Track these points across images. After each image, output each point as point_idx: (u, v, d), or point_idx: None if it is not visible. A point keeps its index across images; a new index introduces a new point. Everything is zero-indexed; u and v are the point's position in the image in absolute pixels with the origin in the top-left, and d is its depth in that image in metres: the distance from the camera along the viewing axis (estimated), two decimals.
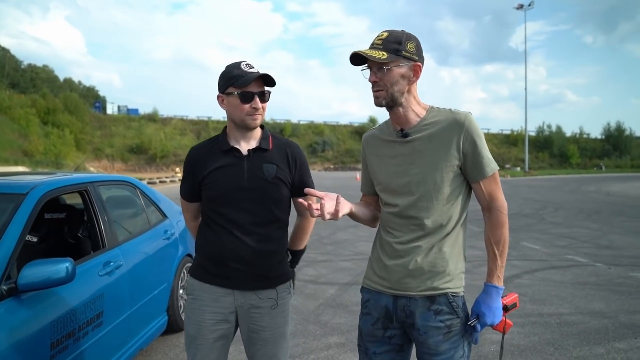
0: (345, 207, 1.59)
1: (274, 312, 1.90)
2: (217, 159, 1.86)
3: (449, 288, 1.61)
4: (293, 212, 2.03)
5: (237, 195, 1.83)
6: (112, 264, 2.71)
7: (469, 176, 1.63)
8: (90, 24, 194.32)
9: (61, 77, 66.22)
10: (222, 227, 1.84)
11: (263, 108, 1.84)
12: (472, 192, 1.68)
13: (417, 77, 1.62)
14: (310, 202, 1.57)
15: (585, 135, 66.64)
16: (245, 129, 1.86)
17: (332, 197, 1.55)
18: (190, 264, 3.66)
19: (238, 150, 1.86)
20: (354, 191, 20.15)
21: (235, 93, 1.79)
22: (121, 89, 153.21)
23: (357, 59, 1.60)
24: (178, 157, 44.21)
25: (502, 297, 1.64)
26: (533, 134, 61.13)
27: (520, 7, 49.27)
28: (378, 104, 1.61)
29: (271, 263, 1.89)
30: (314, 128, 61.52)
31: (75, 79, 71.93)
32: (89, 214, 2.90)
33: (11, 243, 2.14)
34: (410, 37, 1.60)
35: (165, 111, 64.99)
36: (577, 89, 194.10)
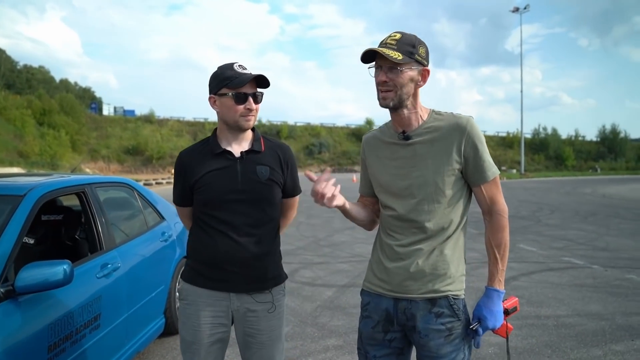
0: (341, 199, 1.61)
1: (271, 315, 1.89)
2: (209, 162, 1.84)
3: (450, 291, 1.61)
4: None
5: (231, 198, 1.82)
6: (109, 266, 2.69)
7: (470, 180, 1.64)
8: (86, 24, 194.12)
9: (57, 78, 66.07)
10: (217, 230, 1.83)
11: (256, 109, 1.84)
12: (472, 195, 1.68)
13: (425, 82, 1.62)
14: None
15: (580, 138, 66.94)
16: (239, 130, 1.85)
17: (331, 184, 1.56)
18: None
19: (230, 153, 1.85)
20: (350, 193, 20.11)
21: (230, 94, 1.79)
22: (117, 90, 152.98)
23: (367, 56, 1.58)
24: (174, 159, 43.47)
25: (502, 301, 1.64)
26: (529, 136, 61.42)
27: (516, 10, 49.54)
28: (385, 104, 1.59)
29: (267, 264, 1.89)
30: (310, 130, 61.52)
31: (72, 80, 71.87)
32: (86, 216, 2.89)
33: (8, 245, 2.12)
34: (421, 42, 1.61)
35: (161, 112, 65.00)
36: (572, 92, 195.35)
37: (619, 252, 7.29)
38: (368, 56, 1.58)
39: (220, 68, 1.84)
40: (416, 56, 1.57)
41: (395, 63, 1.54)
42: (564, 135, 65.08)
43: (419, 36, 1.63)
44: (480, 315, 1.61)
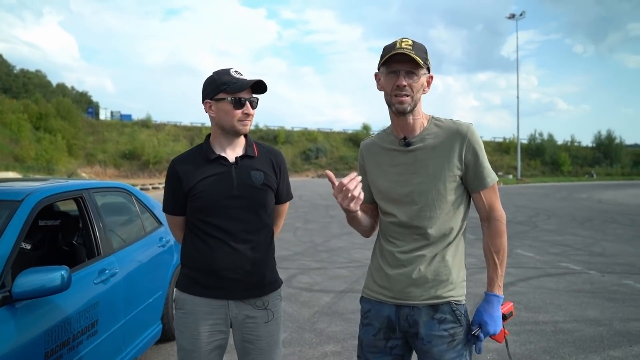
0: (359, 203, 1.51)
1: (269, 321, 1.89)
2: (203, 169, 1.84)
3: (452, 296, 1.62)
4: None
5: (227, 204, 1.81)
6: (107, 271, 2.68)
7: (470, 186, 1.65)
8: (83, 29, 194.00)
9: (54, 82, 65.94)
10: (214, 237, 1.82)
11: (252, 115, 1.85)
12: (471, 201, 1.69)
13: (429, 89, 1.64)
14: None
15: (576, 143, 67.22)
16: (235, 135, 1.85)
17: (351, 177, 1.47)
18: None
19: (225, 159, 1.85)
20: None
21: (228, 99, 1.79)
22: (114, 95, 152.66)
23: (386, 59, 1.56)
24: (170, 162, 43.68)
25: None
26: (525, 141, 61.58)
27: (512, 16, 49.80)
28: (402, 109, 1.58)
29: (264, 270, 1.89)
30: (307, 135, 61.54)
31: (68, 84, 71.67)
32: (84, 221, 2.88)
33: (6, 251, 2.11)
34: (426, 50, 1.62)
35: (158, 117, 64.82)
36: (568, 98, 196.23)
37: (615, 258, 7.31)
38: (386, 59, 1.57)
39: (216, 73, 1.84)
40: (428, 63, 1.59)
41: (413, 68, 1.55)
42: (560, 141, 65.36)
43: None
44: (481, 320, 1.62)
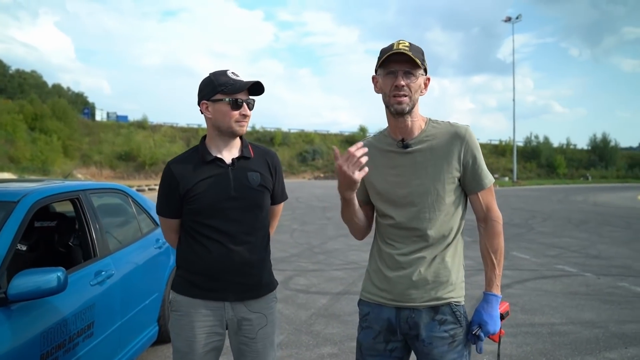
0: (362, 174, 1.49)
1: (265, 322, 1.89)
2: (201, 170, 1.83)
3: (452, 297, 1.63)
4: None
5: (225, 206, 1.81)
6: (103, 273, 2.67)
7: (468, 188, 1.66)
8: (79, 30, 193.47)
9: (50, 83, 65.66)
10: (211, 239, 1.81)
11: (249, 116, 1.85)
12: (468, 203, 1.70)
13: (426, 90, 1.65)
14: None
15: (571, 146, 67.49)
16: (231, 136, 1.85)
17: (357, 145, 1.47)
18: None
19: (221, 160, 1.85)
20: None
21: (226, 100, 1.79)
22: (110, 96, 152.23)
23: (383, 60, 1.57)
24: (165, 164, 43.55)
25: None
26: (521, 144, 61.79)
27: (508, 19, 50.00)
28: (401, 109, 1.58)
29: (261, 272, 1.89)
30: (304, 136, 61.55)
31: (64, 85, 71.28)
32: (80, 222, 2.86)
33: (2, 252, 2.10)
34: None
35: (155, 118, 64.73)
36: (564, 101, 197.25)
37: (611, 260, 7.34)
38: (384, 60, 1.57)
39: (213, 74, 1.84)
40: (425, 64, 1.60)
41: (411, 68, 1.56)
42: (555, 144, 65.62)
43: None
44: (481, 320, 1.63)
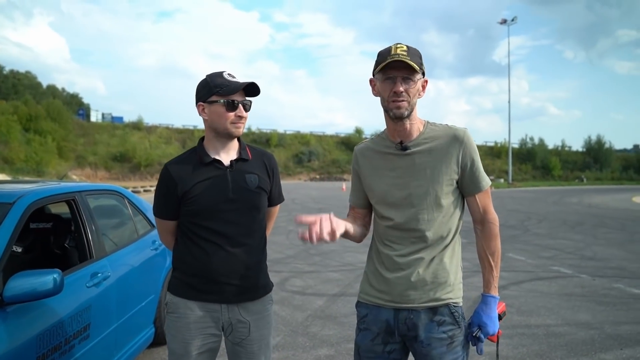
0: (341, 225, 1.55)
1: (261, 324, 1.89)
2: (199, 172, 1.83)
3: (450, 298, 1.64)
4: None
5: (222, 208, 1.81)
6: (99, 275, 2.65)
7: (465, 190, 1.67)
8: (74, 30, 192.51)
9: (44, 84, 65.23)
10: (209, 241, 1.81)
11: (245, 118, 1.85)
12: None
13: (424, 93, 1.65)
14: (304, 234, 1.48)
15: (566, 148, 67.93)
16: (228, 137, 1.85)
17: (325, 218, 1.50)
18: None
19: (220, 162, 1.85)
20: (339, 201, 20.17)
21: (221, 101, 1.79)
22: (105, 97, 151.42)
23: (382, 66, 1.57)
24: (163, 166, 43.44)
25: None
26: (516, 146, 62.10)
27: (504, 22, 50.29)
28: (400, 114, 1.58)
29: (258, 273, 1.89)
30: (300, 138, 61.60)
31: (59, 86, 70.77)
32: (76, 224, 2.85)
33: None
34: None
35: (150, 119, 64.37)
36: (559, 103, 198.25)
37: (606, 262, 7.38)
38: (382, 66, 1.57)
39: (209, 76, 1.84)
40: (423, 67, 1.60)
41: (409, 74, 1.56)
42: (550, 146, 66.03)
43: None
44: (480, 322, 1.64)
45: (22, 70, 68.82)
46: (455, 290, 1.66)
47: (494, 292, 1.66)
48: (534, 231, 11.13)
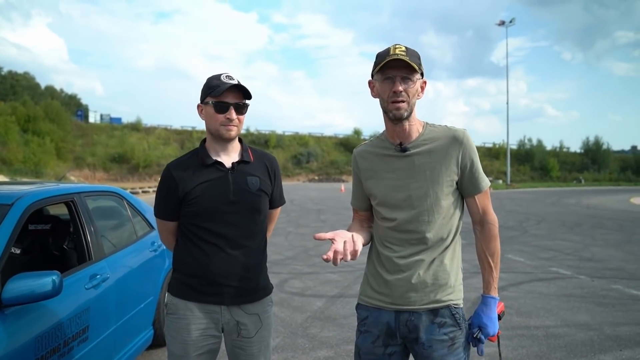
0: (359, 241, 1.53)
1: (260, 326, 1.89)
2: (200, 174, 1.83)
3: (451, 300, 1.64)
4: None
5: (223, 209, 1.81)
6: (98, 276, 2.65)
7: (465, 191, 1.67)
8: (72, 31, 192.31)
9: (42, 85, 65.19)
10: (209, 243, 1.81)
11: (239, 120, 1.83)
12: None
13: (423, 94, 1.65)
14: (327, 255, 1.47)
15: (565, 149, 67.99)
16: (221, 140, 1.84)
17: (342, 236, 1.49)
18: None
19: (221, 164, 1.85)
20: (338, 202, 20.18)
21: (210, 102, 1.80)
22: (104, 97, 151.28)
23: (381, 66, 1.56)
24: (161, 167, 43.17)
25: None
26: (514, 147, 62.12)
27: (502, 23, 50.31)
28: (399, 115, 1.58)
29: (258, 276, 1.89)
30: (298, 139, 61.56)
31: (57, 87, 70.84)
32: (75, 225, 2.84)
33: None
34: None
35: (148, 120, 64.49)
36: (557, 104, 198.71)
37: (604, 263, 7.39)
38: (381, 66, 1.57)
39: (208, 78, 1.85)
40: (421, 67, 1.60)
41: (408, 73, 1.56)
42: (548, 147, 66.06)
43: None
44: (481, 323, 1.64)
45: (20, 71, 68.94)
46: (456, 292, 1.65)
47: (494, 293, 1.66)
48: (532, 232, 11.14)
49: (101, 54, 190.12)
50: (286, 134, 62.71)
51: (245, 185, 1.84)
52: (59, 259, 3.20)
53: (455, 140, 1.63)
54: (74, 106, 62.22)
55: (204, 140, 1.92)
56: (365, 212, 1.81)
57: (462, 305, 1.67)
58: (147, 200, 3.02)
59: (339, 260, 1.46)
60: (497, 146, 63.20)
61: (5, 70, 61.42)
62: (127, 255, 3.17)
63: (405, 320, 1.63)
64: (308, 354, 3.67)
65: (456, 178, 1.64)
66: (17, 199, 2.38)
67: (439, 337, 1.60)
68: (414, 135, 1.65)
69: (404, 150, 1.64)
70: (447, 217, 1.64)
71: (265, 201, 1.91)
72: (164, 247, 3.69)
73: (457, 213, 1.68)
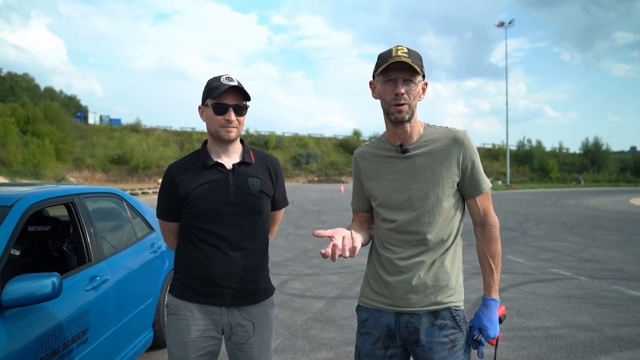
0: (358, 239, 1.54)
1: (261, 328, 1.88)
2: (201, 175, 1.83)
3: (452, 302, 1.63)
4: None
5: (223, 211, 1.81)
6: (98, 278, 2.64)
7: (466, 192, 1.66)
8: (72, 32, 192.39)
9: (42, 86, 65.07)
10: (210, 244, 1.81)
11: (239, 121, 1.83)
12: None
13: (424, 95, 1.65)
14: (326, 250, 1.46)
15: (564, 150, 68.13)
16: (221, 141, 1.84)
17: (341, 233, 1.50)
18: None
19: (222, 165, 1.85)
20: (337, 203, 20.17)
21: (210, 104, 1.80)
22: (103, 99, 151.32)
23: (383, 68, 1.56)
24: (161, 168, 43.56)
25: None
26: (514, 148, 62.23)
27: (501, 24, 50.40)
28: (401, 117, 1.58)
29: (259, 277, 1.89)
30: (298, 140, 61.61)
31: (56, 88, 70.89)
32: (74, 227, 2.83)
33: None
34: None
35: (148, 121, 64.54)
36: (556, 105, 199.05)
37: (604, 264, 7.38)
38: (383, 68, 1.56)
39: (209, 79, 1.85)
40: (423, 69, 1.60)
41: (410, 75, 1.55)
42: (548, 148, 66.23)
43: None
44: (481, 325, 1.63)
45: (19, 72, 68.84)
46: (457, 294, 1.65)
47: (495, 295, 1.65)
48: (532, 233, 11.14)
49: (100, 55, 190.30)
50: (285, 135, 62.77)
51: (246, 186, 1.84)
52: (58, 261, 3.19)
53: (456, 142, 1.62)
54: (74, 107, 62.20)
55: (206, 142, 1.92)
56: (365, 214, 1.80)
57: (462, 307, 1.66)
58: (146, 201, 3.02)
59: (337, 255, 1.45)
60: (496, 147, 63.27)
61: (4, 71, 61.39)
62: (126, 256, 3.16)
63: (405, 322, 1.62)
64: (308, 355, 3.66)
65: (457, 179, 1.63)
66: (17, 200, 2.38)
67: (440, 339, 1.60)
68: (415, 136, 1.65)
69: (405, 151, 1.64)
70: (447, 219, 1.63)
71: (267, 203, 1.91)
72: (164, 249, 3.69)
73: (458, 214, 1.67)
